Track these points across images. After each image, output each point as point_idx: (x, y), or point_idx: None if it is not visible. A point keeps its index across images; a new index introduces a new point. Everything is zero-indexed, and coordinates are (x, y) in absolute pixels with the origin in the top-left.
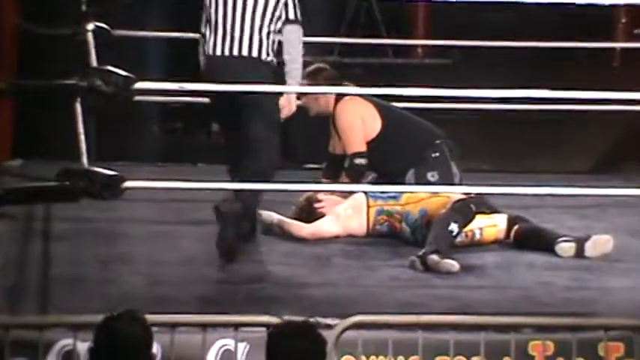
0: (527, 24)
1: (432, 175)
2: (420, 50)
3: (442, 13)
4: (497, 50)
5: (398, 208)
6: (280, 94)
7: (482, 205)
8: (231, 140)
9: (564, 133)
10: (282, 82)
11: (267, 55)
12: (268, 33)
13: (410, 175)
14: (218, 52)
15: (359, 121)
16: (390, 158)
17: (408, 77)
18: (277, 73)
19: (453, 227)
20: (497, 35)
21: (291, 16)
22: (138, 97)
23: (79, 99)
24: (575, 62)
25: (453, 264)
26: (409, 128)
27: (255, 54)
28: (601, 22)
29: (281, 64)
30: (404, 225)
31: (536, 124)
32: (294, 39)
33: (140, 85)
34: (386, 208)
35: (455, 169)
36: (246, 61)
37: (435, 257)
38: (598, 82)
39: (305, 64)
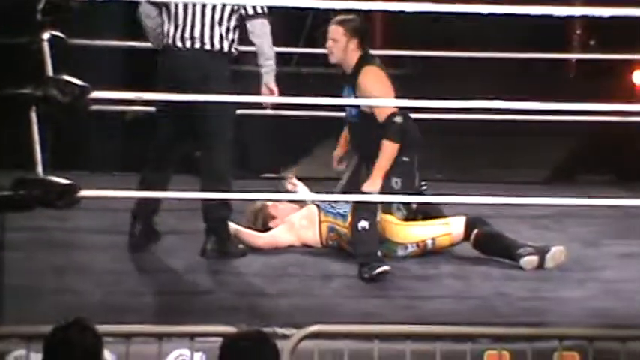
0: (484, 35)
1: (395, 183)
2: None
3: (400, 25)
4: (455, 61)
5: (345, 230)
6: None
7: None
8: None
9: (520, 144)
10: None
11: (229, 48)
12: (227, 29)
13: None
14: (179, 45)
15: (388, 83)
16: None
17: None
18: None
19: (364, 225)
20: (454, 46)
21: (257, 9)
22: (94, 107)
23: (34, 108)
24: (531, 73)
25: (383, 269)
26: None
27: (217, 47)
28: (556, 33)
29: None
30: (349, 247)
31: (491, 135)
32: (263, 34)
33: (96, 94)
34: (336, 227)
35: (417, 182)
36: (207, 54)
37: (365, 275)
38: (554, 93)
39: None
